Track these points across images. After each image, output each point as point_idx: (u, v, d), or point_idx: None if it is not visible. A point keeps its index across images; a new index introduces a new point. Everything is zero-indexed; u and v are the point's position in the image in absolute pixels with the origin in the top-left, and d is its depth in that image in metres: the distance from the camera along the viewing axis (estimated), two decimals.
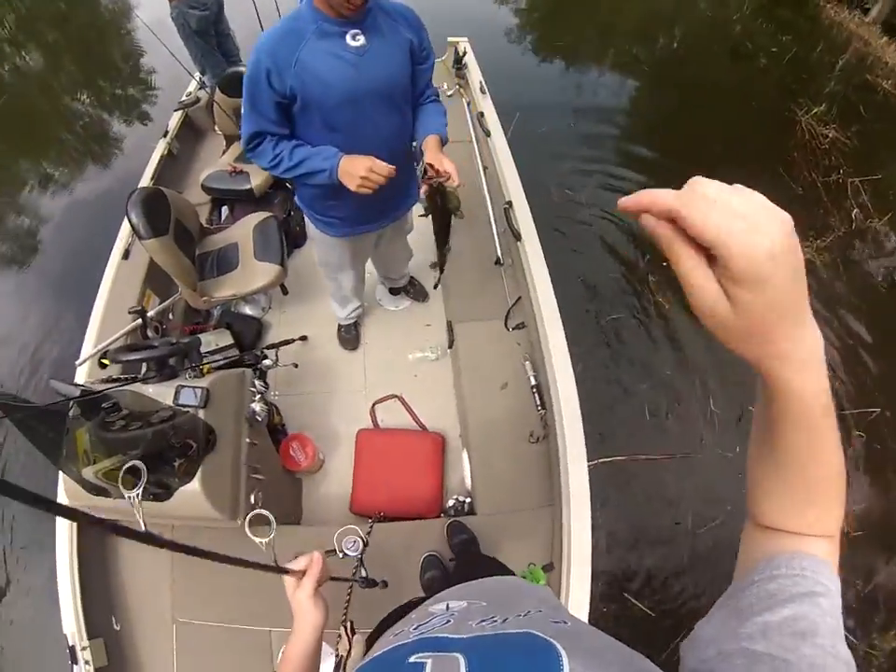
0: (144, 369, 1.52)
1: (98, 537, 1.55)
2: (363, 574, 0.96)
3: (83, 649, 1.33)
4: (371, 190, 1.10)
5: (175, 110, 2.82)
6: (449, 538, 1.51)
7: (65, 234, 3.44)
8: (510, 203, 1.94)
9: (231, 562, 0.51)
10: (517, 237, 1.86)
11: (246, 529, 0.86)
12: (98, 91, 5.15)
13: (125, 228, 2.12)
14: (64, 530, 1.46)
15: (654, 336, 2.67)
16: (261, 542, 0.79)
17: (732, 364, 2.56)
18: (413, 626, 0.46)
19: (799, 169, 3.60)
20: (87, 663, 1.31)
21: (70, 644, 1.32)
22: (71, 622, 1.35)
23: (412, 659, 0.36)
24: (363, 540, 0.99)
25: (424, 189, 1.12)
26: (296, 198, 1.48)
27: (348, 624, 0.77)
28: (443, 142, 1.22)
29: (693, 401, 2.44)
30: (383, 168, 1.09)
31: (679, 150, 3.74)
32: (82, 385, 1.32)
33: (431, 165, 1.10)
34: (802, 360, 0.29)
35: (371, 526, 1.47)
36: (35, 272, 3.27)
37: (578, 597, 1.21)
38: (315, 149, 1.16)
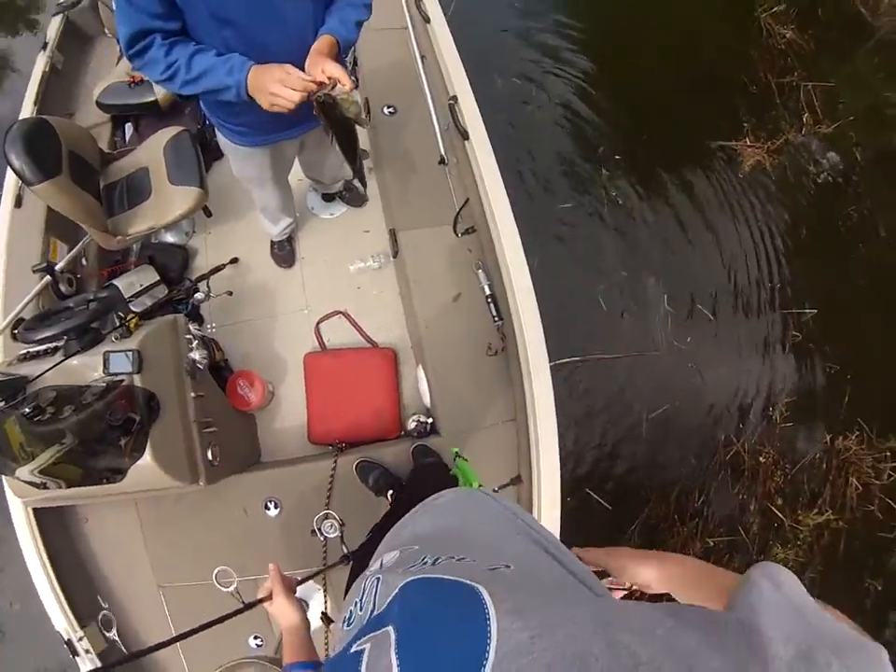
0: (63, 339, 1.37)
1: (61, 523, 1.50)
2: (344, 551, 1.00)
3: (80, 640, 1.32)
4: (286, 109, 0.90)
5: (55, 14, 2.36)
6: (415, 462, 1.50)
7: None
8: (454, 98, 1.77)
9: (214, 623, 0.59)
10: (464, 136, 1.71)
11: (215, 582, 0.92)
12: None
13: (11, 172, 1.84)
14: (23, 527, 1.40)
15: (608, 232, 2.63)
16: (225, 590, 0.91)
17: (684, 263, 2.61)
18: (355, 601, 0.45)
19: (755, 68, 3.48)
20: (87, 651, 1.31)
21: (66, 639, 1.32)
22: (59, 617, 1.34)
23: (353, 648, 0.36)
24: (339, 521, 1.11)
25: (314, 108, 0.91)
26: (200, 102, 1.24)
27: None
28: (342, 44, 0.99)
29: (647, 300, 2.47)
30: (298, 81, 0.87)
31: (632, 40, 3.50)
32: None
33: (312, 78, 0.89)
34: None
35: (335, 462, 1.48)
36: None
37: (549, 510, 1.26)
38: (218, 59, 0.93)
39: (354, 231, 2.00)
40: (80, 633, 1.33)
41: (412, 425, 1.63)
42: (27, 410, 1.06)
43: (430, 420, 1.60)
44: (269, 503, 1.47)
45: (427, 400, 1.64)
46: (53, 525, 1.47)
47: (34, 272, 1.55)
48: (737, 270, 2.63)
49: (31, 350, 1.32)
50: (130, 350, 1.17)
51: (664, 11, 3.79)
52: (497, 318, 1.56)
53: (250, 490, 1.50)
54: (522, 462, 1.43)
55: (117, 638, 1.44)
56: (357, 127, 0.99)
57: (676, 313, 2.44)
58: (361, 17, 1.04)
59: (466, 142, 1.72)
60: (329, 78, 0.88)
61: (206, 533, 1.48)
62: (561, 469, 1.34)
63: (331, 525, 1.25)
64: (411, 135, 1.87)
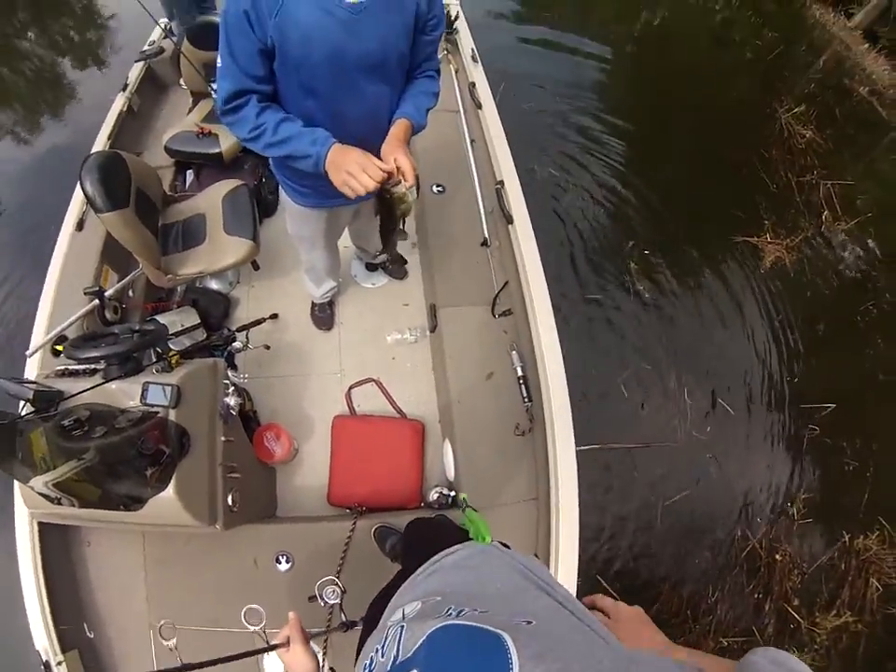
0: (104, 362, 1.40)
1: (63, 542, 1.47)
2: (343, 619, 0.99)
3: (58, 664, 1.27)
4: (357, 193, 0.95)
5: (137, 61, 2.55)
6: (379, 543, 1.48)
7: (17, 194, 3.13)
8: (501, 183, 1.86)
9: (233, 659, 0.65)
10: (509, 220, 1.79)
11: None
12: (52, 34, 4.66)
13: (78, 195, 1.92)
14: (25, 539, 1.37)
15: (632, 324, 2.70)
16: (254, 629, 0.88)
17: (704, 356, 2.65)
18: (376, 647, 0.46)
19: (775, 166, 3.67)
20: None
21: (44, 660, 1.27)
22: (42, 636, 1.29)
23: None
24: (341, 588, 1.07)
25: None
26: (270, 160, 1.33)
27: None
28: (415, 128, 1.08)
29: (669, 392, 2.49)
30: (376, 171, 0.93)
31: (664, 137, 3.74)
32: (36, 382, 1.20)
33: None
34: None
35: (354, 524, 1.47)
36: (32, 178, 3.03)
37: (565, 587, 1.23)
38: (305, 129, 1.01)
39: (393, 302, 2.06)
40: (60, 657, 1.28)
41: (433, 496, 1.62)
42: (66, 422, 1.06)
43: (452, 493, 1.60)
44: (281, 557, 1.45)
45: (450, 473, 1.64)
46: (55, 542, 1.44)
47: (85, 293, 1.59)
48: (757, 364, 2.67)
49: (70, 367, 1.34)
50: (170, 384, 1.18)
51: (691, 111, 4.06)
52: (527, 399, 1.58)
53: (264, 541, 1.48)
54: (540, 542, 1.41)
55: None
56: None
57: (695, 405, 2.46)
58: (431, 105, 1.14)
59: (510, 226, 1.80)
60: (394, 173, 0.96)
61: (211, 579, 1.44)
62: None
63: (333, 592, 1.22)
64: (456, 215, 1.96)
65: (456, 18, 2.62)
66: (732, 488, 2.32)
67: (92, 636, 1.40)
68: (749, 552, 2.21)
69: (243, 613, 1.01)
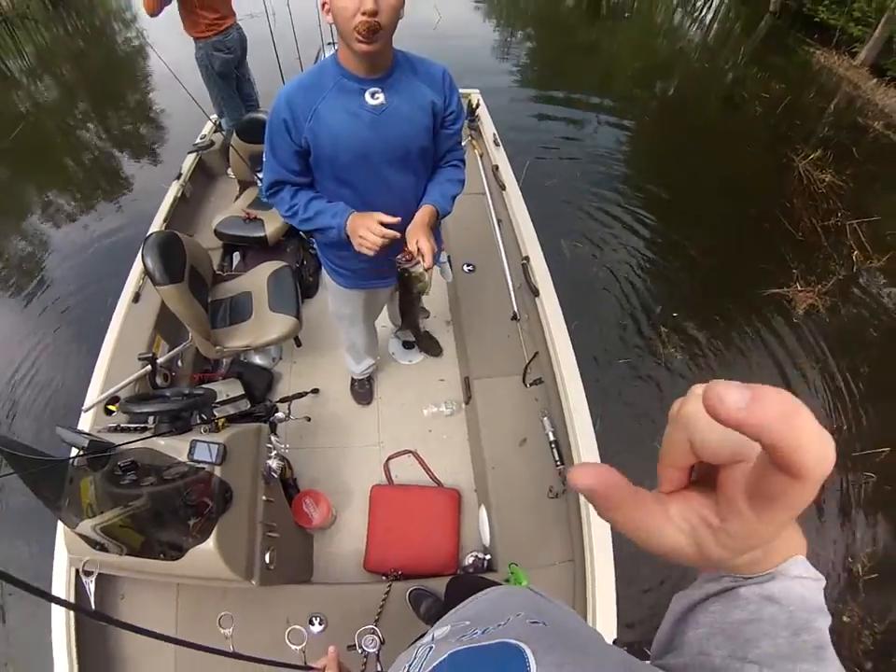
0: (153, 420, 1.48)
1: (98, 631, 1.48)
2: (378, 668, 0.98)
3: None
4: (370, 252, 1.07)
5: (190, 152, 2.86)
6: (413, 606, 1.46)
7: (74, 271, 3.45)
8: (527, 259, 1.96)
9: (262, 661, 0.54)
10: (535, 293, 1.87)
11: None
12: (111, 127, 5.27)
13: (136, 270, 2.11)
14: (62, 584, 1.39)
15: (664, 387, 2.67)
16: (296, 648, 0.83)
17: None
18: (404, 665, 0.47)
19: (798, 215, 3.69)
20: None
21: None
22: None
23: None
24: (380, 639, 1.05)
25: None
26: (316, 245, 1.47)
27: None
28: (440, 214, 1.18)
29: None
30: (378, 230, 1.06)
31: (685, 201, 3.84)
32: (90, 434, 1.27)
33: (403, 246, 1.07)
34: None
35: (390, 586, 1.47)
36: (40, 305, 3.26)
37: None
38: (328, 205, 1.15)
39: (430, 378, 2.15)
40: None
41: (469, 560, 1.63)
42: (118, 471, 1.11)
43: (488, 557, 1.59)
44: (314, 618, 1.44)
45: (486, 539, 1.64)
46: (91, 629, 1.44)
47: (139, 359, 1.69)
48: None
49: (121, 424, 1.42)
50: (217, 443, 1.24)
51: (709, 171, 4.20)
52: (559, 463, 1.60)
53: (297, 602, 1.47)
54: (577, 604, 1.38)
55: None
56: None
57: None
58: (457, 191, 1.24)
59: (536, 298, 1.88)
60: (414, 253, 1.06)
61: (241, 640, 1.41)
62: (622, 630, 1.28)
63: (372, 641, 1.19)
64: (487, 292, 2.07)
65: (477, 106, 2.86)
66: None
67: None
68: None
69: (287, 634, 0.99)
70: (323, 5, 0.98)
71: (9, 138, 4.85)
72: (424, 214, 1.14)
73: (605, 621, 1.24)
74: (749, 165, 4.29)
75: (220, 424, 1.41)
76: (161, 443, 1.26)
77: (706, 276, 3.23)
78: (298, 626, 0.97)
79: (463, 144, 2.74)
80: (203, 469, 1.22)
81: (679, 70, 6.14)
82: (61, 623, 1.36)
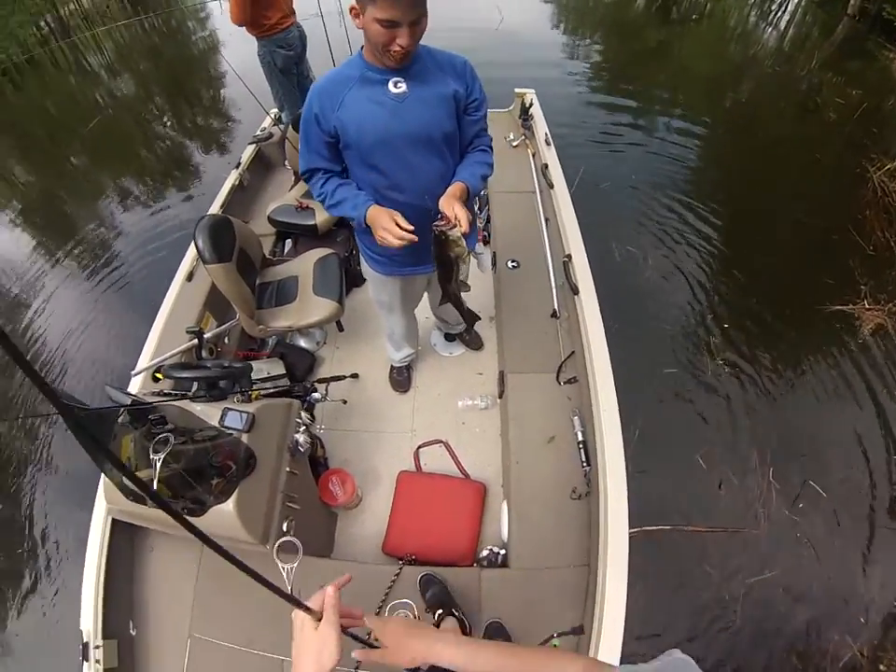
0: (194, 387, 1.58)
1: (130, 542, 1.57)
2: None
3: (96, 647, 1.32)
4: (391, 245, 1.13)
5: (249, 144, 3.02)
6: (422, 589, 1.47)
7: (142, 249, 3.72)
8: (569, 257, 1.94)
9: (253, 576, 0.54)
10: (574, 291, 1.85)
11: (273, 553, 0.88)
12: (181, 119, 5.64)
13: (191, 251, 2.24)
14: (98, 530, 1.48)
15: (711, 400, 2.54)
16: (284, 567, 0.78)
17: (794, 434, 2.41)
18: None
19: (871, 227, 3.42)
20: (97, 661, 1.31)
21: (84, 640, 1.33)
22: (89, 619, 1.36)
23: None
24: (415, 615, 1.03)
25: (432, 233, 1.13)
26: (354, 231, 1.52)
27: None
28: (470, 191, 1.22)
29: (750, 472, 2.28)
30: (396, 232, 1.11)
31: (745, 208, 3.67)
32: (134, 395, 1.37)
33: (441, 211, 1.12)
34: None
35: (401, 569, 1.49)
36: (108, 282, 3.53)
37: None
38: (351, 194, 1.22)
39: (469, 371, 2.18)
40: (100, 641, 1.33)
41: (483, 553, 1.62)
42: (147, 427, 1.19)
43: (503, 552, 1.58)
44: None
45: (504, 533, 1.62)
46: (123, 541, 1.53)
47: (186, 332, 1.78)
48: (857, 442, 2.38)
49: (164, 390, 1.53)
50: (246, 412, 1.30)
51: (775, 178, 3.97)
52: (585, 464, 1.57)
53: (312, 574, 1.48)
54: (587, 612, 1.34)
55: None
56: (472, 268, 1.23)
57: (782, 489, 2.23)
58: (487, 173, 1.29)
59: (576, 297, 1.85)
60: (450, 219, 1.09)
61: (255, 600, 1.45)
62: (633, 643, 1.22)
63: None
64: (529, 288, 2.07)
65: (531, 105, 2.84)
66: (823, 585, 2.00)
67: (135, 633, 1.46)
68: (849, 661, 1.87)
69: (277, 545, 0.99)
70: (351, 9, 1.03)
71: (86, 128, 5.29)
72: (455, 188, 1.18)
73: (611, 629, 1.21)
74: (819, 174, 4.02)
75: (254, 396, 1.49)
76: (197, 408, 1.34)
77: (762, 287, 3.05)
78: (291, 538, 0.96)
79: (516, 144, 2.76)
80: (231, 434, 1.29)
81: (750, 75, 5.84)
82: (93, 560, 1.44)
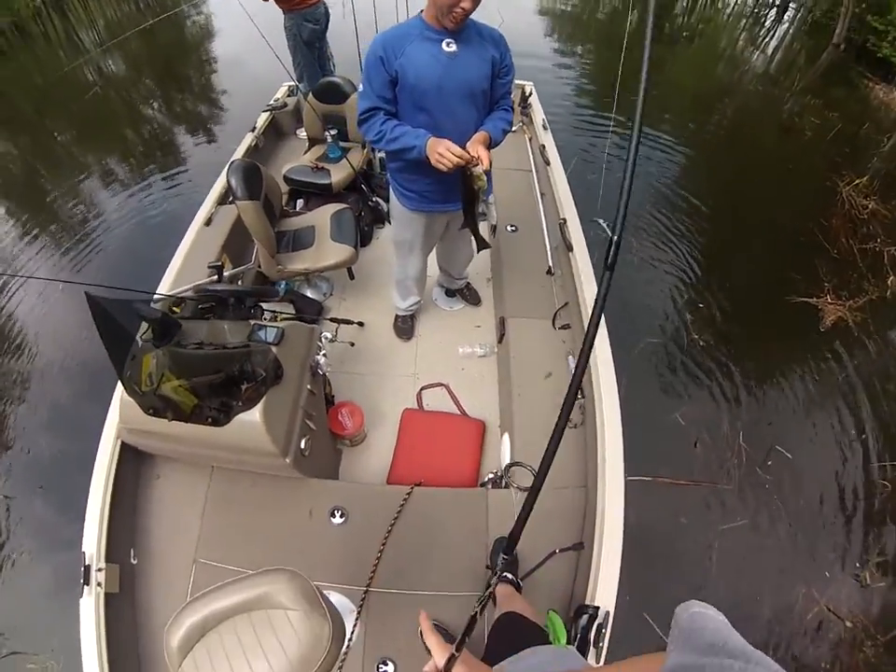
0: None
1: (138, 467, 1.57)
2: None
3: (98, 570, 1.30)
4: (445, 168, 1.31)
5: (264, 111, 3.14)
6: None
7: (168, 202, 3.90)
8: (564, 220, 2.14)
9: None
10: (569, 248, 2.03)
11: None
12: (204, 87, 5.76)
13: (210, 197, 2.35)
14: (106, 454, 1.47)
15: (688, 369, 2.78)
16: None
17: (765, 406, 2.64)
18: None
19: (836, 235, 3.72)
20: (99, 585, 1.28)
21: (86, 563, 1.30)
22: (92, 542, 1.34)
23: None
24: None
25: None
26: (388, 172, 1.70)
27: None
28: (492, 140, 1.42)
29: (721, 437, 2.49)
30: (455, 150, 1.30)
31: (725, 209, 3.97)
32: (163, 312, 1.34)
33: (467, 151, 1.32)
34: None
35: (412, 489, 1.54)
36: (133, 229, 3.67)
37: (608, 573, 1.25)
38: (411, 129, 1.38)
39: (468, 323, 2.35)
40: (102, 564, 1.31)
41: (487, 477, 1.71)
42: (175, 341, 1.23)
43: (507, 475, 1.64)
44: (336, 511, 1.51)
45: (505, 458, 1.72)
46: (130, 466, 1.52)
47: (208, 267, 1.86)
48: (818, 413, 2.62)
49: (185, 316, 1.51)
50: (277, 326, 1.40)
51: (753, 185, 4.26)
52: (580, 396, 1.69)
53: (322, 495, 1.55)
54: (587, 529, 1.44)
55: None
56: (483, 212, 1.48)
57: (751, 451, 2.44)
58: (507, 128, 1.51)
59: (570, 253, 2.04)
60: (476, 156, 1.30)
61: (265, 523, 1.49)
62: (620, 589, 1.29)
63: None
64: (526, 250, 2.26)
65: (530, 95, 3.09)
66: (791, 542, 2.21)
67: (136, 562, 1.44)
68: (816, 615, 2.06)
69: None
70: None
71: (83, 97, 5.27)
72: (480, 135, 1.41)
73: (610, 546, 1.29)
74: (793, 183, 4.33)
75: (279, 318, 1.60)
76: (225, 326, 1.38)
77: (737, 277, 3.32)
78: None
79: (515, 129, 2.95)
80: (262, 346, 1.34)
81: (736, 93, 6.19)
82: (99, 484, 1.43)
